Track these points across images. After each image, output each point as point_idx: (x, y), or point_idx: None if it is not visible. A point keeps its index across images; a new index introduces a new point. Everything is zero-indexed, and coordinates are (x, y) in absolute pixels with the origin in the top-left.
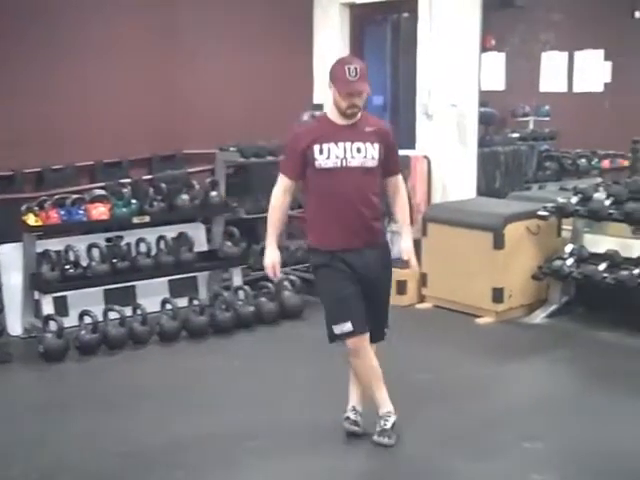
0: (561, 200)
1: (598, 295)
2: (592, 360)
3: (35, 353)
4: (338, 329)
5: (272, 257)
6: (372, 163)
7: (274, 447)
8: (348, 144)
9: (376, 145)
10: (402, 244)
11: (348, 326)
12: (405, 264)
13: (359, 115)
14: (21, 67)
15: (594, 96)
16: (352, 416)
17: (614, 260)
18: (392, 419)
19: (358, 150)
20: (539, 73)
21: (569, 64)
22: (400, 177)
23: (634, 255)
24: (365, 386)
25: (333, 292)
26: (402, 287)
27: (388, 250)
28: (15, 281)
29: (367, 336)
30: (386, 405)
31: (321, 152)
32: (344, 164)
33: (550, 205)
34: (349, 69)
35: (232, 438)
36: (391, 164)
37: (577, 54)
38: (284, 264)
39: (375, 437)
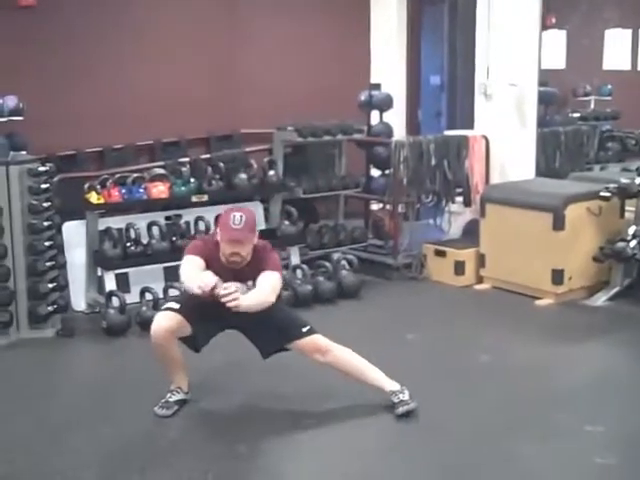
0: (624, 180)
1: None
2: None
3: (98, 328)
4: (169, 305)
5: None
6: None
7: (329, 425)
8: (231, 283)
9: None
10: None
11: (176, 305)
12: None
13: (245, 262)
14: (83, 48)
15: None
16: (395, 399)
17: None
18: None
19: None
20: (602, 51)
21: (633, 42)
22: (273, 275)
23: None
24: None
25: (191, 304)
26: (460, 268)
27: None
28: (79, 258)
29: (172, 329)
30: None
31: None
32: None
33: (612, 186)
34: (234, 217)
35: (291, 415)
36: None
37: None
38: (340, 244)
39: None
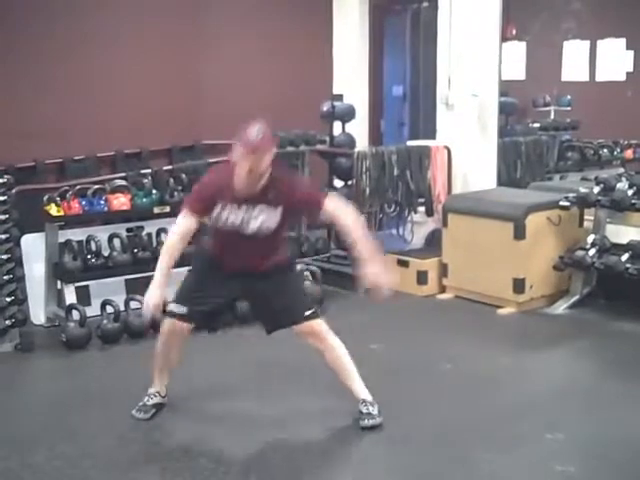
0: (583, 190)
1: (620, 286)
2: (613, 351)
3: (58, 342)
4: (174, 307)
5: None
6: (273, 225)
7: (293, 437)
8: (249, 209)
9: (279, 208)
10: (365, 270)
11: (183, 309)
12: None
13: (263, 181)
14: (43, 59)
15: (616, 85)
16: (364, 410)
17: (636, 251)
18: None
19: (256, 217)
20: (560, 62)
21: (591, 53)
22: (331, 201)
23: None
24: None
25: (194, 282)
26: (423, 277)
27: (286, 265)
28: (38, 271)
29: (187, 328)
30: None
31: (220, 214)
32: (241, 230)
33: (572, 195)
34: (251, 131)
35: (259, 428)
36: (310, 207)
37: (599, 43)
38: (304, 255)
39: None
